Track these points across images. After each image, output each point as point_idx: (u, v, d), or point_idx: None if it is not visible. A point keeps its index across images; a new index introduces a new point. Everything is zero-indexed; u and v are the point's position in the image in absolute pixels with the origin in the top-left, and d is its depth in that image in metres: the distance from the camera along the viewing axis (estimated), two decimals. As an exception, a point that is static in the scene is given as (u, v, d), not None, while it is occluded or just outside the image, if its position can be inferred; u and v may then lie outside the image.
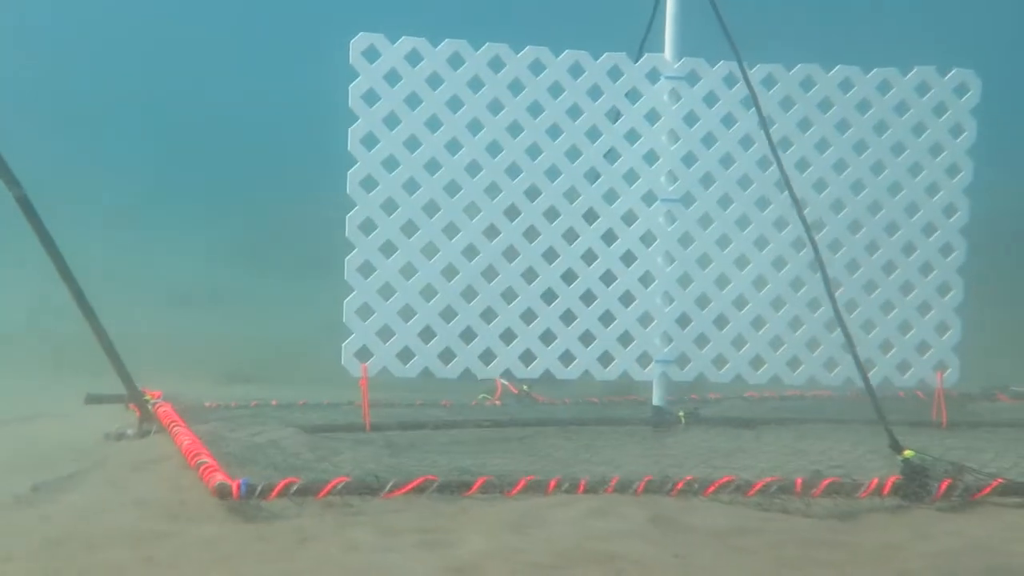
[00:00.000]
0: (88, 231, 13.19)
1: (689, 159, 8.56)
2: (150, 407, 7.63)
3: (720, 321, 8.62)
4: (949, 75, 8.85)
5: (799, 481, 6.00)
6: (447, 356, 8.24)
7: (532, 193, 8.32)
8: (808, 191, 8.69)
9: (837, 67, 8.72)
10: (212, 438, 7.16)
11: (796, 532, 5.48)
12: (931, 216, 8.88)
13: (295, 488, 5.72)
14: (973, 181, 8.90)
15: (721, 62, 8.58)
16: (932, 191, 8.88)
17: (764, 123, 8.06)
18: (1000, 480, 6.18)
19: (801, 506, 5.91)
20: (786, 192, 8.50)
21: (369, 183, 8.04)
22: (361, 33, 8.01)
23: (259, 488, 5.71)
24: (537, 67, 8.29)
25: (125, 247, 14.46)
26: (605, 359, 8.50)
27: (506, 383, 9.34)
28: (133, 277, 13.64)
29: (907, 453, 6.25)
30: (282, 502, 5.74)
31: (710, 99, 8.58)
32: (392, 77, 8.06)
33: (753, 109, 8.51)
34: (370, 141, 8.04)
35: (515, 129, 8.28)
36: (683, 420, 8.47)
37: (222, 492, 5.69)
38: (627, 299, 8.48)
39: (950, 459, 6.45)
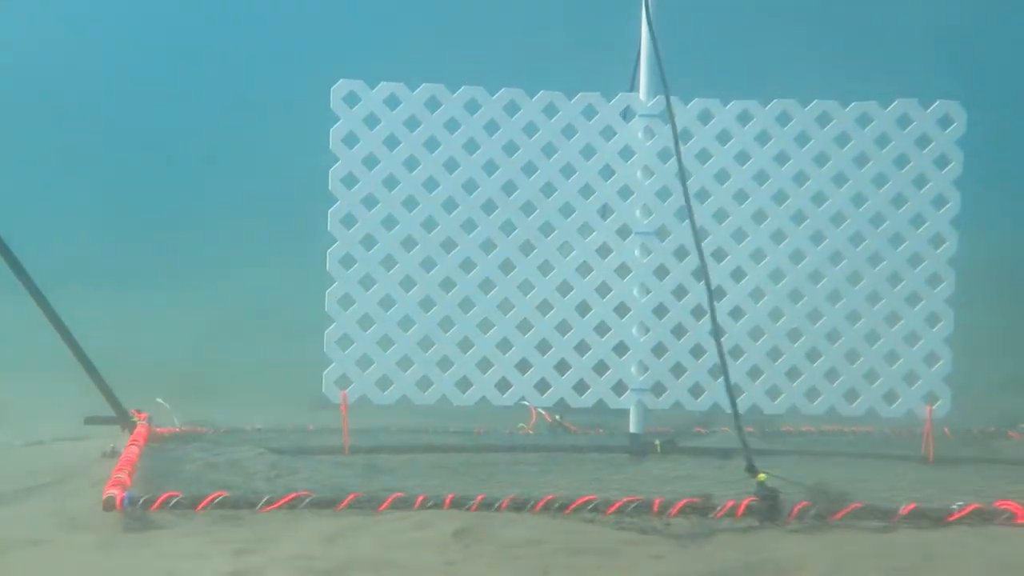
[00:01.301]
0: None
1: (664, 193, 7.54)
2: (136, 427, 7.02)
3: (697, 351, 7.52)
4: (932, 107, 7.55)
5: (657, 501, 5.19)
6: (424, 384, 7.41)
7: (507, 228, 7.44)
8: (786, 222, 7.55)
9: (814, 102, 7.56)
10: (171, 458, 6.56)
11: (588, 544, 4.81)
12: (917, 247, 7.58)
13: (174, 501, 5.25)
14: (961, 212, 7.58)
15: (695, 100, 7.56)
16: (917, 222, 7.60)
17: (680, 156, 7.12)
18: (857, 504, 5.27)
19: (659, 525, 5.13)
20: (764, 223, 7.49)
21: (349, 220, 7.31)
22: (341, 79, 7.32)
23: (141, 500, 5.24)
24: (512, 108, 7.43)
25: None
26: (580, 387, 7.51)
27: (542, 412, 8.40)
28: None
29: (760, 476, 5.49)
30: (173, 514, 5.28)
31: (684, 135, 7.53)
32: (371, 120, 7.34)
33: (728, 144, 7.51)
34: (350, 181, 7.31)
35: (490, 167, 7.43)
36: (659, 448, 7.41)
37: (108, 504, 5.23)
38: (602, 329, 7.48)
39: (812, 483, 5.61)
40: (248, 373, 10.83)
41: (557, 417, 8.34)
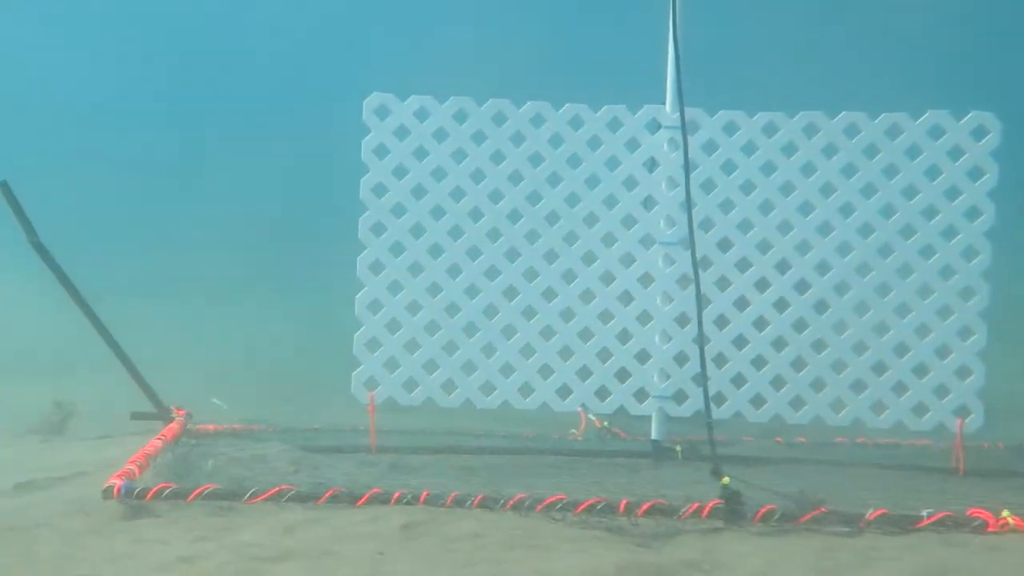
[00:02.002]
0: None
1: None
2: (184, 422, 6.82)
3: (719, 360, 6.94)
4: (965, 118, 6.82)
5: (624, 502, 4.79)
6: (449, 387, 7.02)
7: (532, 237, 7.00)
8: (812, 234, 6.91)
9: (842, 113, 6.91)
10: (200, 452, 6.33)
11: (527, 540, 4.43)
12: (949, 259, 6.85)
13: (167, 492, 5.06)
14: (995, 224, 6.83)
15: (720, 112, 6.99)
16: (949, 234, 6.87)
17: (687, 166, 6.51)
18: (822, 509, 4.78)
19: (627, 524, 4.69)
20: (790, 235, 6.87)
21: (378, 228, 6.98)
22: (374, 92, 7.01)
23: (137, 491, 5.06)
24: (538, 120, 6.99)
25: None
26: (602, 393, 7.00)
27: (593, 419, 7.92)
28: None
29: (724, 480, 5.01)
30: (167, 503, 5.06)
31: (709, 147, 6.98)
32: (401, 132, 7.00)
33: (753, 156, 6.93)
34: (380, 190, 6.99)
35: (516, 178, 7.01)
36: (679, 455, 6.85)
37: (107, 493, 5.07)
38: (624, 336, 6.97)
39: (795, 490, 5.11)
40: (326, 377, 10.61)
41: (605, 423, 7.85)
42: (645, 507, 4.71)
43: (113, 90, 15.36)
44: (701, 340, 6.24)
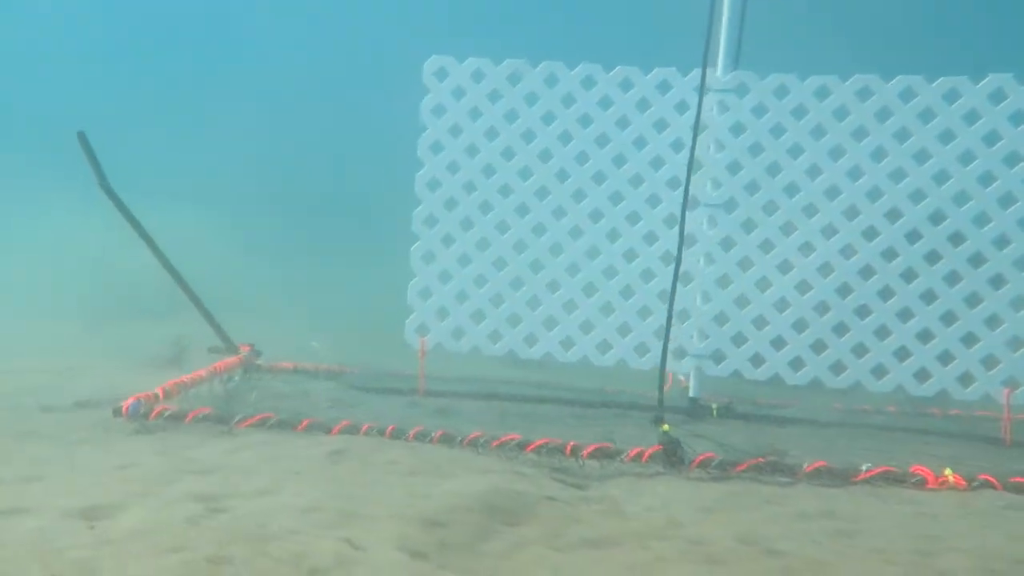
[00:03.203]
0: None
1: (734, 167, 6.08)
2: (247, 358, 6.39)
3: (759, 322, 6.04)
4: (1029, 81, 5.69)
5: (571, 444, 4.27)
6: (495, 337, 6.35)
7: (579, 196, 6.23)
8: (861, 199, 5.91)
9: (897, 77, 5.86)
10: (251, 385, 5.91)
11: (436, 468, 3.99)
12: (1004, 228, 5.74)
13: (168, 413, 4.77)
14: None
15: (771, 75, 6.03)
16: (1007, 202, 5.75)
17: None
18: (759, 460, 4.21)
19: (574, 465, 4.21)
20: (837, 200, 5.89)
21: (434, 184, 6.34)
22: (433, 55, 6.35)
23: (142, 410, 4.77)
24: (589, 82, 6.20)
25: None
26: (641, 349, 6.20)
27: (682, 379, 7.05)
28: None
29: (664, 427, 4.52)
30: (168, 423, 4.77)
31: (759, 110, 6.04)
32: (458, 93, 6.33)
33: (804, 120, 5.96)
34: (436, 148, 6.34)
35: (565, 138, 6.24)
36: (715, 413, 6.00)
37: (116, 412, 4.79)
38: (665, 296, 6.14)
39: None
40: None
41: (685, 384, 7.01)
42: (590, 449, 4.03)
43: (187, 56, 14.92)
44: (673, 293, 5.43)
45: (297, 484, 3.55)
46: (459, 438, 4.26)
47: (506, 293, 6.28)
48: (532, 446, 4.12)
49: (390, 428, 4.50)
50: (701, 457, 4.07)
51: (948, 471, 3.89)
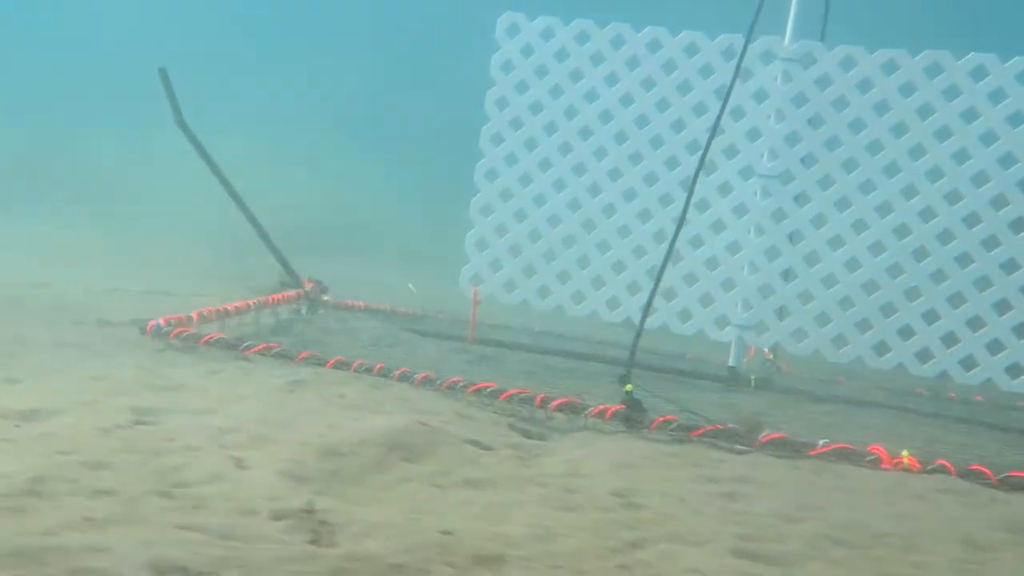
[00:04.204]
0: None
1: (792, 139, 6.52)
2: (310, 293, 7.29)
3: (805, 296, 6.49)
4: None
5: (540, 396, 4.83)
6: (544, 292, 7.04)
7: (635, 159, 6.81)
8: (920, 179, 6.26)
9: (970, 54, 6.15)
10: (302, 319, 6.82)
11: (381, 403, 4.49)
12: (1021, 211, 6.00)
13: (185, 335, 5.50)
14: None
15: (839, 46, 6.43)
16: (1031, 185, 6.00)
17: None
18: (717, 426, 4.65)
19: (542, 416, 4.71)
20: (896, 177, 6.29)
21: (497, 139, 7.05)
22: (507, 12, 7.03)
23: (164, 330, 5.54)
24: (655, 45, 6.75)
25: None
26: (684, 315, 6.76)
27: (765, 350, 7.56)
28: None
29: (628, 388, 4.86)
30: (185, 344, 5.48)
31: (823, 82, 6.45)
32: (527, 50, 6.99)
33: (868, 94, 6.34)
34: (502, 103, 7.04)
35: (627, 100, 6.82)
36: (753, 384, 6.51)
37: (141, 330, 5.59)
38: (712, 264, 6.67)
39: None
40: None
41: (771, 356, 7.56)
42: (557, 403, 4.62)
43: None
44: (667, 260, 6.03)
45: (236, 407, 4.10)
46: (439, 381, 4.92)
47: (558, 250, 6.95)
48: (505, 395, 4.75)
49: (356, 363, 5.18)
50: (660, 419, 4.60)
51: (905, 452, 4.31)
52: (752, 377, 6.53)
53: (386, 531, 2.83)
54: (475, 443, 3.73)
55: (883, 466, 4.21)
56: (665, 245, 6.67)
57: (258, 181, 12.92)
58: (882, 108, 6.32)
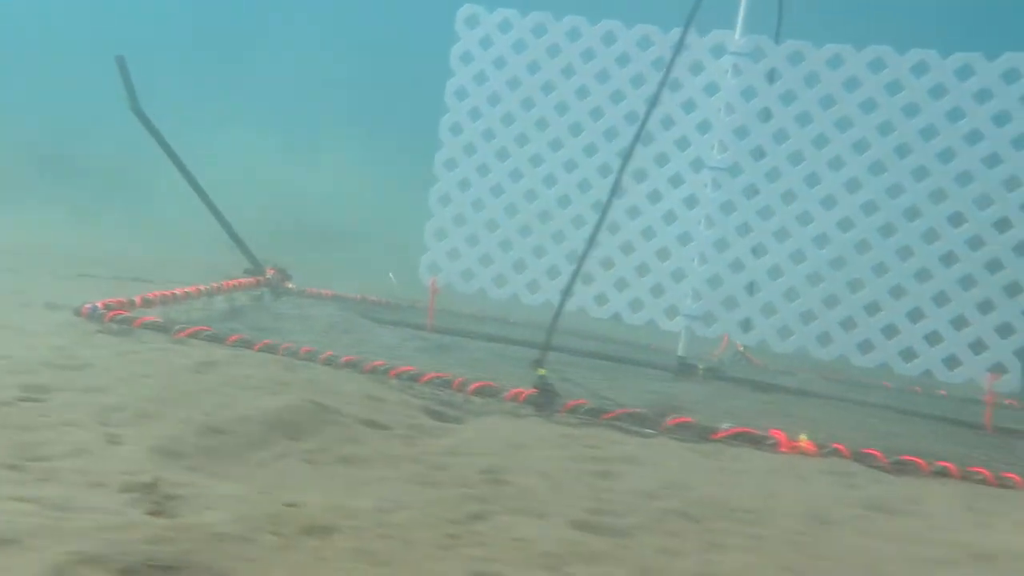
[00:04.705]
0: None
1: (742, 132, 6.98)
2: (271, 280, 7.79)
3: (752, 287, 6.96)
4: (1046, 61, 6.32)
5: (458, 380, 5.30)
6: (500, 281, 7.53)
7: (590, 150, 7.28)
8: (864, 173, 6.71)
9: (911, 50, 6.59)
10: (257, 305, 7.33)
11: (283, 385, 4.77)
12: (1006, 211, 6.44)
13: (120, 318, 5.83)
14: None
15: (788, 41, 6.88)
16: (1011, 184, 6.43)
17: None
18: (625, 410, 5.06)
19: (461, 399, 5.14)
20: (841, 171, 6.74)
21: (456, 129, 7.54)
22: (467, 3, 7.51)
23: (99, 313, 5.86)
24: (609, 38, 7.22)
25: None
26: (635, 305, 7.25)
27: (737, 343, 8.00)
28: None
29: (540, 371, 5.29)
30: (120, 327, 5.79)
31: (772, 76, 6.91)
32: (485, 42, 7.47)
33: (815, 88, 6.79)
34: (461, 94, 7.53)
35: (583, 92, 7.29)
36: (702, 373, 6.99)
37: (78, 312, 5.92)
38: (663, 255, 7.15)
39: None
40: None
41: (743, 349, 8.04)
42: (475, 386, 5.09)
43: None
44: (590, 242, 6.51)
45: (134, 386, 4.36)
46: (362, 364, 5.39)
47: (515, 240, 7.43)
48: (425, 378, 5.24)
49: (262, 343, 5.60)
50: (571, 403, 5.07)
51: (803, 436, 4.79)
52: (701, 367, 7.01)
53: (231, 503, 3.06)
54: (371, 423, 4.16)
55: (781, 449, 4.68)
56: (620, 235, 7.19)
57: (263, 174, 13.65)
58: (828, 102, 6.76)
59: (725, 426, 4.88)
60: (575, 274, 6.44)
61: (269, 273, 7.83)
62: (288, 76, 15.40)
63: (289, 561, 2.71)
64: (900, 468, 4.62)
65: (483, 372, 5.87)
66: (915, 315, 6.63)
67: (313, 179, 14.68)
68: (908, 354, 6.65)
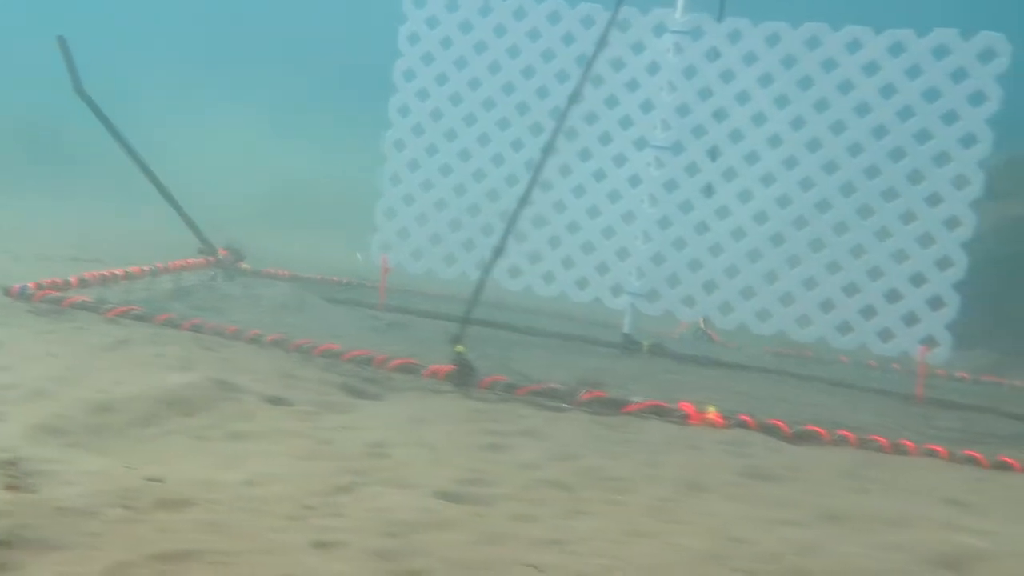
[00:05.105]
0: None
1: (683, 110, 7.37)
2: (223, 261, 8.23)
3: (694, 265, 7.38)
4: (973, 39, 6.70)
5: (380, 357, 5.73)
6: (449, 260, 7.95)
7: (536, 130, 7.67)
8: (801, 149, 7.10)
9: (846, 27, 6.97)
10: (205, 285, 7.79)
11: (185, 361, 5.15)
12: (937, 186, 6.84)
13: (49, 298, 6.24)
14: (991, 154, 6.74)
15: (728, 19, 7.26)
16: (942, 160, 6.83)
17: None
18: (540, 386, 5.51)
19: (384, 376, 5.56)
20: (779, 148, 7.15)
21: (404, 110, 7.94)
22: (413, -17, 7.90)
23: (29, 293, 6.26)
24: (554, 17, 7.61)
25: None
26: (581, 283, 7.67)
27: (700, 320, 8.47)
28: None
29: (458, 348, 5.67)
30: (49, 306, 6.17)
31: (712, 54, 7.29)
32: (432, 22, 7.86)
33: (753, 66, 7.18)
34: (409, 75, 7.92)
35: (529, 72, 7.69)
36: (646, 349, 7.42)
37: (6, 291, 6.27)
38: (608, 233, 7.56)
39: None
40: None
41: (702, 325, 8.49)
42: (396, 363, 5.53)
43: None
44: (512, 220, 6.92)
45: (37, 364, 4.60)
46: (288, 343, 5.82)
47: (464, 219, 7.84)
48: (347, 356, 5.67)
49: (164, 316, 6.05)
50: (489, 379, 5.50)
51: (711, 408, 5.22)
52: (646, 344, 7.44)
53: (91, 479, 3.20)
54: (276, 400, 4.56)
55: (690, 421, 5.11)
56: (566, 215, 7.60)
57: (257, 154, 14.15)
58: (766, 81, 7.15)
59: (636, 399, 5.30)
60: (497, 250, 6.86)
61: (221, 254, 8.26)
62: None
63: (129, 534, 2.85)
64: (801, 437, 5.06)
65: (428, 350, 6.29)
66: (850, 289, 7.04)
67: (301, 157, 15.26)
68: (844, 327, 7.07)
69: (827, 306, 7.10)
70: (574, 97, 7.20)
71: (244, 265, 8.45)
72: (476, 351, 6.79)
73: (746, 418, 5.16)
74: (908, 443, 5.09)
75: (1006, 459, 5.01)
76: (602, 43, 7.20)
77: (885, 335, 7.00)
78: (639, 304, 7.51)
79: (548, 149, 7.12)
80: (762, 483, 4.09)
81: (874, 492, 4.13)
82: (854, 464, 4.59)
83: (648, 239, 7.46)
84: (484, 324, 7.69)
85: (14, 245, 8.80)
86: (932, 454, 5.01)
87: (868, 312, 7.02)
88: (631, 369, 6.91)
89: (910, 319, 6.93)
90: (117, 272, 7.09)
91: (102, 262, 8.53)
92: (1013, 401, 7.41)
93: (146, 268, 7.40)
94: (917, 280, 6.91)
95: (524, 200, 6.96)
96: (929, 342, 6.88)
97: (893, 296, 6.96)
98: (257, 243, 9.36)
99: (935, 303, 6.86)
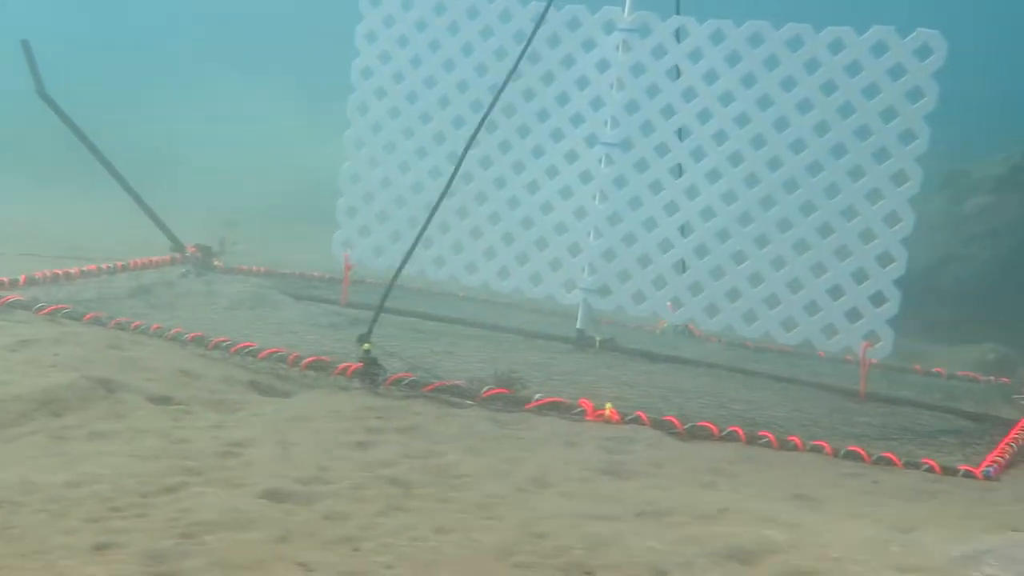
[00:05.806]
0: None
1: (632, 107, 8.01)
2: (191, 259, 9.04)
3: (644, 260, 8.02)
4: (910, 36, 7.25)
5: (293, 355, 6.45)
6: (409, 256, 8.64)
7: (490, 127, 8.34)
8: (745, 146, 7.71)
9: (787, 25, 7.55)
10: (165, 282, 8.58)
11: (86, 361, 5.68)
12: (877, 182, 7.41)
13: (18, 303, 7.06)
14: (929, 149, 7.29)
15: (672, 16, 7.88)
16: (881, 157, 7.40)
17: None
18: (444, 383, 6.22)
19: (299, 374, 6.27)
20: (724, 145, 7.76)
21: (363, 108, 8.66)
22: (370, -17, 8.59)
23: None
24: (506, 16, 8.27)
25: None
26: (535, 279, 8.35)
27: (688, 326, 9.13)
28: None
29: (366, 346, 6.36)
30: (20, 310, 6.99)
31: (658, 52, 7.92)
32: (388, 20, 8.56)
33: (699, 64, 7.79)
34: (367, 73, 8.63)
35: (481, 70, 8.37)
36: (598, 344, 8.09)
37: None
38: (560, 229, 8.23)
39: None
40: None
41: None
42: (308, 360, 6.26)
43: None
44: (433, 211, 7.87)
45: None
46: (207, 340, 6.57)
47: (422, 217, 8.54)
48: (263, 353, 6.41)
49: (92, 314, 6.84)
50: (394, 377, 6.22)
51: (608, 405, 5.88)
52: (598, 339, 8.11)
53: None
54: (161, 399, 5.18)
55: (588, 418, 5.79)
56: (520, 210, 8.29)
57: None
58: (711, 78, 7.76)
59: (537, 396, 5.99)
60: (417, 238, 7.83)
61: (189, 251, 9.07)
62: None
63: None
64: (693, 434, 5.72)
65: (386, 345, 7.00)
66: (795, 285, 7.65)
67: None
68: (789, 323, 7.69)
69: (772, 302, 7.71)
70: (512, 73, 8.02)
71: (217, 263, 9.24)
72: (423, 346, 7.57)
73: (641, 414, 5.82)
74: (795, 439, 5.72)
75: (887, 454, 5.63)
76: (540, 20, 7.90)
77: (829, 331, 7.59)
78: (591, 300, 8.17)
79: (483, 124, 8.05)
80: (612, 480, 4.75)
81: (721, 487, 4.77)
82: (724, 460, 5.24)
83: (599, 235, 8.11)
84: (439, 320, 8.48)
85: (12, 245, 9.66)
86: (818, 450, 5.64)
87: (812, 308, 7.62)
88: (574, 364, 7.59)
89: (853, 315, 7.51)
90: (71, 271, 7.91)
91: (85, 260, 9.41)
92: (975, 398, 8.01)
93: (104, 267, 8.21)
94: (859, 276, 7.49)
95: (455, 196, 7.75)
96: (872, 337, 7.47)
97: (836, 292, 7.55)
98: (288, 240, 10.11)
99: (877, 299, 7.44)
